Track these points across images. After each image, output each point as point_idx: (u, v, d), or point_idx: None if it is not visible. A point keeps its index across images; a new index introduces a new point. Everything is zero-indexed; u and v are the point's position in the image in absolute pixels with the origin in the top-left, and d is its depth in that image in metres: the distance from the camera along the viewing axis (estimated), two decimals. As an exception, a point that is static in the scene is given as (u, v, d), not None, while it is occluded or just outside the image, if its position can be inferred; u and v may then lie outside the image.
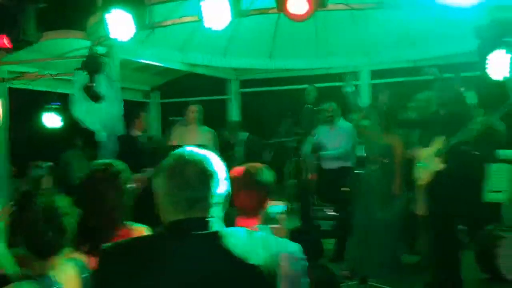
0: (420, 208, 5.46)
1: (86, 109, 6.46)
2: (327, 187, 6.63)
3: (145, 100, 9.62)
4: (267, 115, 8.89)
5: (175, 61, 7.71)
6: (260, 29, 6.99)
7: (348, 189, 5.53)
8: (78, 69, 6.04)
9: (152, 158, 6.23)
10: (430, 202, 5.10)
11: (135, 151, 6.52)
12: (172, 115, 8.25)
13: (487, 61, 4.34)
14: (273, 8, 3.81)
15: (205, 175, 1.66)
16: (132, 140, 6.68)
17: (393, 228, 5.48)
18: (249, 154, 6.62)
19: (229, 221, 2.01)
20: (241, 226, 2.33)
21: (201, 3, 3.99)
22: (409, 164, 5.76)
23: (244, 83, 9.08)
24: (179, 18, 4.64)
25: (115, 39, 4.94)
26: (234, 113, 8.99)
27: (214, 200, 1.68)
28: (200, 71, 8.27)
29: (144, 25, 4.49)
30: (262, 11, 4.44)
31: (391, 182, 5.47)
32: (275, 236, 2.29)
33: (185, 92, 9.16)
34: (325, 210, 7.13)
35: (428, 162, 5.02)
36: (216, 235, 1.65)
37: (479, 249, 5.42)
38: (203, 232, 1.64)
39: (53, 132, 8.85)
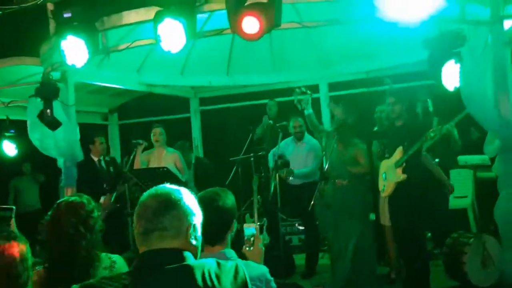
0: (385, 220, 5.54)
1: (41, 136, 6.33)
2: (294, 203, 6.64)
3: (103, 122, 9.48)
4: (228, 132, 8.89)
5: (132, 82, 7.63)
6: (216, 46, 6.99)
7: (313, 203, 5.52)
8: (32, 96, 5.91)
9: (111, 182, 6.15)
10: (394, 214, 5.18)
11: (94, 176, 6.44)
12: (132, 136, 8.14)
13: (441, 72, 4.48)
14: (227, 29, 3.82)
15: (161, 207, 1.70)
16: (91, 165, 6.62)
17: (365, 241, 5.51)
18: (198, 177, 6.55)
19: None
20: (208, 253, 2.33)
21: (158, 26, 3.97)
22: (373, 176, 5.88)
23: (204, 101, 9.04)
24: (134, 42, 4.58)
25: (71, 65, 4.89)
26: (195, 132, 8.94)
27: (174, 232, 1.70)
28: (158, 90, 8.20)
29: (98, 50, 4.43)
30: (217, 32, 4.45)
31: (358, 195, 5.53)
32: (242, 262, 2.31)
33: (145, 112, 9.09)
34: (294, 225, 7.17)
35: (389, 173, 5.10)
36: (185, 268, 1.66)
37: (446, 257, 5.49)
38: (172, 266, 1.65)
39: (7, 160, 8.65)
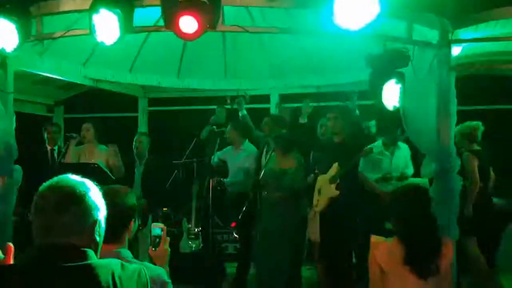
0: (314, 234, 5.48)
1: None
2: (229, 210, 6.55)
3: (48, 114, 9.18)
4: (175, 135, 8.73)
5: (77, 76, 7.37)
6: (168, 46, 6.84)
7: (247, 212, 5.41)
8: (-38, 80, 5.62)
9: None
10: (322, 228, 5.13)
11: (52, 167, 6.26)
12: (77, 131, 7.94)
13: (381, 91, 4.46)
14: (163, 26, 3.69)
15: (64, 201, 1.59)
16: (46, 155, 6.55)
17: (290, 257, 5.42)
18: (145, 174, 6.39)
19: None
20: (103, 251, 2.20)
21: (93, 16, 3.81)
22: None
23: (153, 101, 8.86)
24: (69, 31, 4.38)
25: (3, 49, 4.66)
26: (142, 131, 8.71)
27: (78, 227, 1.60)
28: (105, 86, 7.95)
29: (30, 36, 4.21)
30: (153, 29, 4.31)
31: (289, 211, 5.44)
32: (139, 263, 2.18)
33: (92, 108, 8.84)
34: (231, 233, 7.04)
35: (324, 188, 5.06)
36: (88, 267, 1.55)
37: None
38: (74, 264, 1.54)
39: None
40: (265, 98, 7.96)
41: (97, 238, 1.67)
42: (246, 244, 6.09)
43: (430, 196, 3.04)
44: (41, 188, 1.64)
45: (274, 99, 7.99)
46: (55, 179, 1.65)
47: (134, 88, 8.55)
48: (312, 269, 6.35)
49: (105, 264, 1.60)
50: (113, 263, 1.64)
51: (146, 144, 6.44)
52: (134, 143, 6.28)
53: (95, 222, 1.65)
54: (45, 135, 6.79)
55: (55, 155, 6.69)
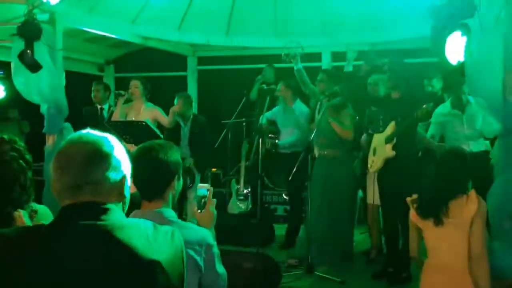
0: (371, 197, 5.26)
1: (25, 80, 6.08)
2: (280, 171, 6.41)
3: (99, 73, 9.24)
4: (225, 94, 8.59)
5: (126, 33, 7.30)
6: (216, 3, 6.67)
7: (300, 173, 5.23)
8: (14, 35, 5.63)
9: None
10: (382, 190, 4.91)
11: (101, 125, 6.29)
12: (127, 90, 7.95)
13: (445, 44, 4.12)
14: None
15: (92, 158, 1.47)
16: (96, 113, 6.62)
17: (343, 216, 5.27)
18: (193, 134, 6.30)
19: (133, 206, 1.77)
20: (145, 210, 2.10)
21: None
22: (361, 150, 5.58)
23: (202, 60, 8.72)
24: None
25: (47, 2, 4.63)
26: (191, 91, 8.64)
27: (108, 185, 1.48)
28: (154, 45, 7.88)
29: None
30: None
31: (343, 169, 5.25)
32: (182, 224, 2.06)
33: (142, 67, 8.79)
34: (281, 194, 6.93)
35: (379, 148, 4.81)
36: (110, 226, 1.44)
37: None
38: (94, 222, 1.43)
39: None
40: (317, 56, 7.65)
41: (127, 195, 1.57)
42: (296, 206, 5.94)
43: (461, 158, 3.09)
44: (62, 145, 1.52)
45: (326, 57, 7.68)
46: (75, 135, 1.53)
47: (183, 47, 8.43)
48: (365, 233, 6.16)
49: (133, 224, 1.51)
50: (143, 223, 1.54)
51: (187, 104, 6.29)
52: (175, 102, 6.15)
53: (123, 177, 1.54)
54: (93, 93, 6.81)
55: (105, 113, 6.68)
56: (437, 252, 2.98)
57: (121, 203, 1.56)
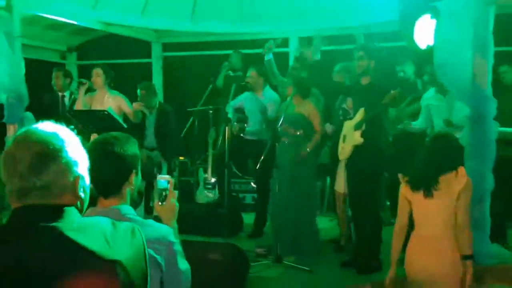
0: (340, 185, 5.22)
1: (-19, 67, 5.82)
2: (247, 159, 6.31)
3: (61, 61, 8.96)
4: (190, 81, 8.43)
5: (88, 19, 7.04)
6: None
7: (267, 162, 5.14)
8: (-35, 22, 5.36)
9: None
10: (349, 177, 4.86)
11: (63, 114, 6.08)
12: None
13: (413, 28, 4.07)
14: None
15: (40, 160, 1.38)
16: (58, 101, 6.41)
17: (309, 204, 5.22)
18: (159, 124, 6.15)
19: (90, 202, 1.66)
20: (101, 207, 1.98)
21: None
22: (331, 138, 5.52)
23: (167, 46, 8.51)
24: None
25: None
26: (156, 78, 8.45)
27: (59, 187, 1.40)
28: (118, 31, 7.65)
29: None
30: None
31: (308, 157, 5.17)
32: (142, 222, 1.95)
33: (105, 54, 8.55)
34: (249, 183, 6.84)
35: (348, 135, 4.75)
36: (63, 228, 1.36)
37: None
38: (46, 224, 1.36)
39: None
40: (284, 42, 7.54)
41: (82, 195, 1.47)
42: (264, 194, 5.86)
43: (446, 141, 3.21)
44: (8, 145, 1.42)
45: (294, 43, 7.58)
46: (22, 133, 1.43)
47: (148, 33, 8.22)
48: (333, 220, 6.13)
49: (90, 224, 1.43)
50: (101, 222, 1.46)
51: (151, 94, 6.13)
52: (138, 93, 5.99)
53: (76, 178, 1.44)
54: (53, 81, 6.58)
55: (66, 101, 6.45)
56: (424, 223, 3.16)
57: (77, 203, 1.46)
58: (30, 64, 6.02)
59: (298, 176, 5.09)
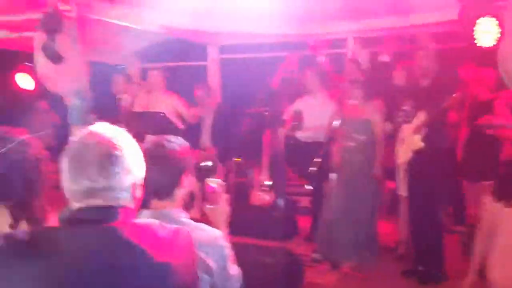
0: (401, 189, 5.08)
1: (48, 70, 6.09)
2: (302, 161, 6.26)
3: (121, 64, 9.21)
4: (247, 83, 8.45)
5: (148, 23, 7.21)
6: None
7: (320, 163, 5.07)
8: (37, 27, 5.63)
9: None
10: (410, 183, 4.72)
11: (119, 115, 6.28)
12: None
13: (474, 28, 3.90)
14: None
15: (105, 163, 1.44)
16: (111, 102, 6.65)
17: (370, 210, 5.09)
18: (214, 123, 6.19)
19: (143, 205, 1.70)
20: (155, 210, 2.02)
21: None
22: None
23: (224, 48, 8.59)
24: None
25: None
26: (212, 80, 8.52)
27: (120, 189, 1.46)
28: (175, 34, 7.77)
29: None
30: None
31: (370, 161, 5.05)
32: (193, 225, 1.97)
33: (163, 57, 8.74)
34: (305, 185, 6.77)
35: (408, 139, 4.61)
36: (121, 228, 1.42)
37: (465, 232, 5.00)
38: (106, 224, 1.43)
39: (25, 94, 8.60)
40: (342, 42, 7.43)
41: (137, 196, 1.54)
42: (319, 198, 5.78)
43: None
44: (74, 143, 1.48)
45: (351, 44, 7.45)
46: (87, 134, 1.49)
47: (204, 35, 8.30)
48: (393, 226, 5.96)
49: (144, 226, 1.48)
50: (154, 225, 1.50)
51: (208, 94, 6.21)
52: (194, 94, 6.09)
53: (135, 180, 1.50)
54: (112, 83, 6.83)
55: (123, 103, 6.64)
56: (506, 232, 3.17)
57: (132, 204, 1.51)
58: (93, 67, 6.24)
59: (360, 179, 4.98)
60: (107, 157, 1.43)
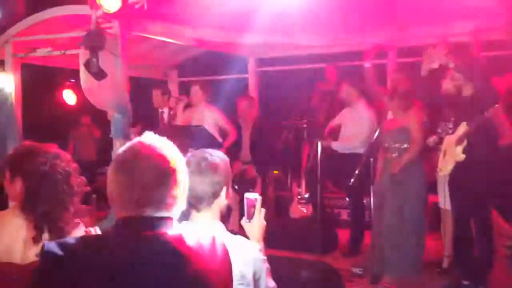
0: (443, 202, 4.95)
1: (91, 86, 6.26)
2: (341, 174, 6.19)
3: (163, 79, 9.40)
4: (286, 95, 8.45)
5: (186, 37, 7.33)
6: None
7: (362, 177, 5.00)
8: (79, 44, 5.80)
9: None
10: (452, 196, 4.60)
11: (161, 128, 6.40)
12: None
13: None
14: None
15: (159, 177, 1.47)
16: (156, 118, 6.75)
17: (413, 224, 4.94)
18: (253, 136, 6.22)
19: (183, 217, 1.73)
20: (194, 221, 2.05)
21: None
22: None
23: (263, 61, 8.63)
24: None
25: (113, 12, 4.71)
26: (252, 93, 8.56)
27: (170, 201, 1.50)
28: (216, 48, 7.86)
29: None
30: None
31: (414, 172, 4.91)
32: (231, 238, 1.98)
33: (204, 71, 8.86)
34: (345, 198, 6.69)
35: (450, 150, 4.49)
36: (169, 237, 1.48)
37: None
38: (154, 233, 1.47)
39: (67, 109, 8.90)
40: (381, 53, 7.33)
41: (183, 208, 1.58)
42: (358, 211, 5.70)
43: None
44: (125, 155, 1.49)
45: (391, 54, 7.34)
46: (138, 144, 1.51)
47: (244, 48, 8.36)
48: (437, 241, 5.79)
49: (186, 236, 1.51)
50: (194, 235, 1.54)
51: (248, 107, 6.24)
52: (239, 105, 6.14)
53: (181, 191, 1.54)
54: (154, 98, 6.92)
55: (165, 117, 6.76)
56: None
57: (177, 215, 1.55)
58: (135, 82, 6.38)
59: (403, 193, 4.85)
60: (166, 169, 1.47)
